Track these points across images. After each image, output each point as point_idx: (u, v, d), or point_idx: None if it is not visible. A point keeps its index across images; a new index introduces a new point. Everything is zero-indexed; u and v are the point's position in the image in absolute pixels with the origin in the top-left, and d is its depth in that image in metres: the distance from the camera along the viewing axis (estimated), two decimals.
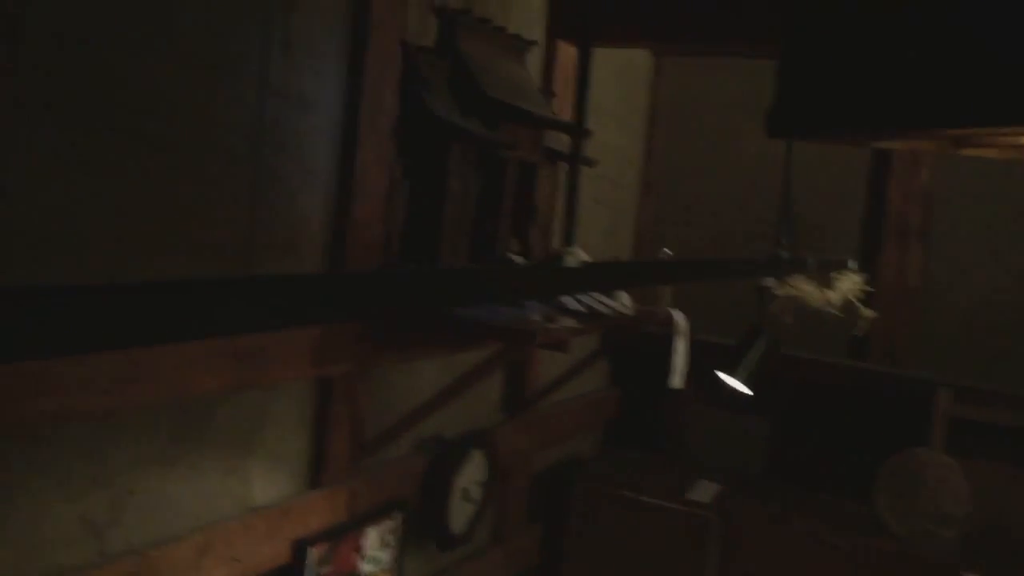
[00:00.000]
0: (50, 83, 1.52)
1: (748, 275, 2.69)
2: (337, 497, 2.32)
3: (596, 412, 4.02)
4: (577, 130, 3.14)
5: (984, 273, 3.93)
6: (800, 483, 3.67)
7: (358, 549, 2.41)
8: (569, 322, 2.44)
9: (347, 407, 2.33)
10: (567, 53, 3.26)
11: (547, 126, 2.89)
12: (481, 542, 3.19)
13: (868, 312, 3.08)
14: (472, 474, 2.89)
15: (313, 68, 2.10)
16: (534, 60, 3.05)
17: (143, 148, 1.71)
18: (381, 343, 2.37)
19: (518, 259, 2.68)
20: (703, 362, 3.08)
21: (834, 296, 2.96)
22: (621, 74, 3.92)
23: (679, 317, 2.97)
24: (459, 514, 2.84)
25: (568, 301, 2.52)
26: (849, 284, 3.02)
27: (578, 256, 2.82)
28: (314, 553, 2.22)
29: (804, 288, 2.92)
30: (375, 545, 2.46)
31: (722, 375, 2.95)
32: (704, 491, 3.53)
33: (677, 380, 2.95)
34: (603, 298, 2.68)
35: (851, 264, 3.10)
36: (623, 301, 2.80)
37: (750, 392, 2.95)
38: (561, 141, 3.12)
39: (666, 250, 3.10)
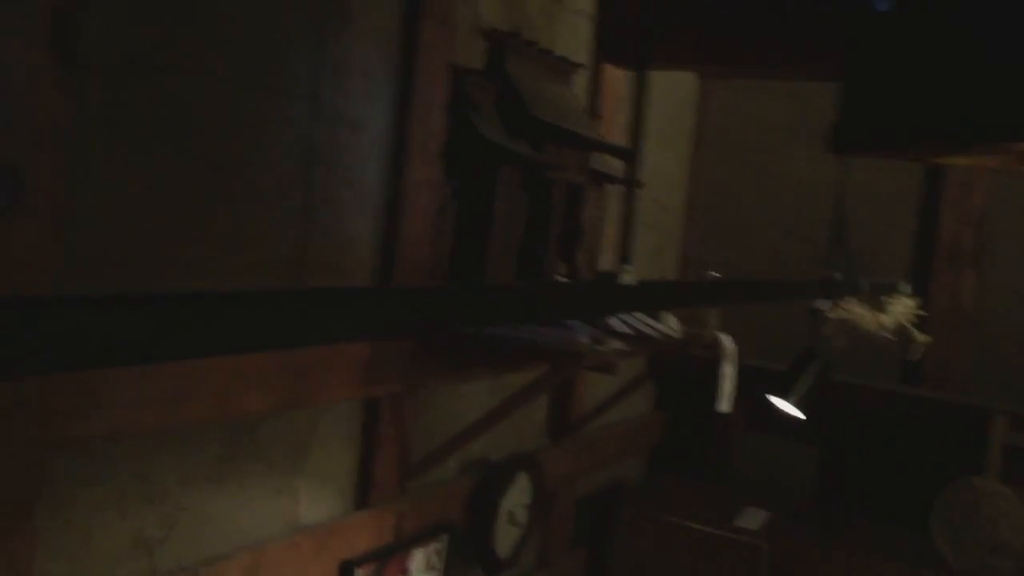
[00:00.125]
0: (112, 106, 1.55)
1: (803, 296, 2.66)
2: (384, 518, 2.32)
3: (641, 436, 3.98)
4: (626, 152, 3.13)
5: None
6: (850, 511, 3.59)
7: (404, 571, 2.39)
8: (617, 344, 2.42)
9: (394, 428, 2.33)
10: (614, 75, 3.26)
11: (595, 148, 2.88)
12: (527, 566, 3.16)
13: (922, 337, 3.01)
14: (518, 497, 2.87)
15: (363, 90, 2.12)
16: (580, 82, 3.06)
17: (201, 169, 1.73)
18: (429, 364, 2.37)
19: (565, 281, 2.67)
20: (750, 387, 3.03)
21: (887, 320, 2.90)
22: (666, 96, 3.91)
23: (727, 341, 2.93)
24: (505, 537, 2.81)
25: (615, 323, 2.50)
26: (902, 308, 2.97)
27: (634, 275, 2.80)
28: (360, 574, 2.21)
29: (857, 311, 2.87)
30: (421, 567, 2.45)
31: (774, 399, 2.91)
32: (752, 518, 3.47)
33: (725, 404, 2.91)
34: (650, 321, 2.65)
35: (904, 287, 3.04)
36: (671, 324, 2.77)
37: (803, 416, 2.90)
38: (606, 163, 3.11)
39: (713, 273, 3.07)
